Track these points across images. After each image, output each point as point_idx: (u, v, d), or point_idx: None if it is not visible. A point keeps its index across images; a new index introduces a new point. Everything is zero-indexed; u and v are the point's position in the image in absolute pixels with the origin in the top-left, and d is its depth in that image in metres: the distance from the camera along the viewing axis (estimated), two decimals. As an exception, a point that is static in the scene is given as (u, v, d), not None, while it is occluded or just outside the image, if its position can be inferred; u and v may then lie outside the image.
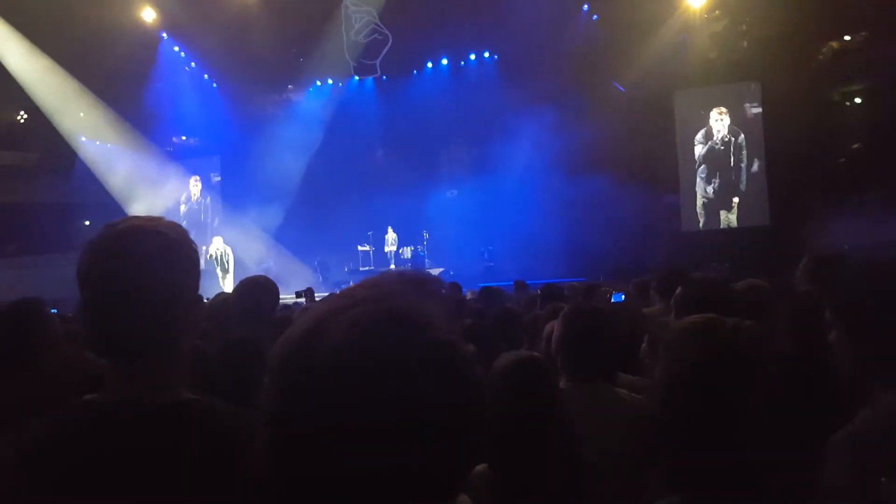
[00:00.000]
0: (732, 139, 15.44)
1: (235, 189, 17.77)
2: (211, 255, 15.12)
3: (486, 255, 15.98)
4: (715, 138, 15.50)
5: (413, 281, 0.73)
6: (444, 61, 17.64)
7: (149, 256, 1.10)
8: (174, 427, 1.09)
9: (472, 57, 17.44)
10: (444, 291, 0.76)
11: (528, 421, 1.83)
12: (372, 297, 0.68)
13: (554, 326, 2.63)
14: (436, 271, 15.85)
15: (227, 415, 1.15)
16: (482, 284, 10.02)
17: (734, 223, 15.42)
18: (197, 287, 1.20)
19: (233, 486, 0.93)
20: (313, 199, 16.85)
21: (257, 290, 3.07)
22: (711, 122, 15.52)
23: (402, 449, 0.60)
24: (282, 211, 16.71)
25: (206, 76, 17.98)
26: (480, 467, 1.83)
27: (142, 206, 17.05)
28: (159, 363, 1.13)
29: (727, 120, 15.42)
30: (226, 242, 15.66)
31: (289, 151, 16.53)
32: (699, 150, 15.63)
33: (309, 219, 16.75)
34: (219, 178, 18.74)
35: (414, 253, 16.58)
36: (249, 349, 2.24)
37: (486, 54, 17.29)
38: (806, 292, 2.61)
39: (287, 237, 16.83)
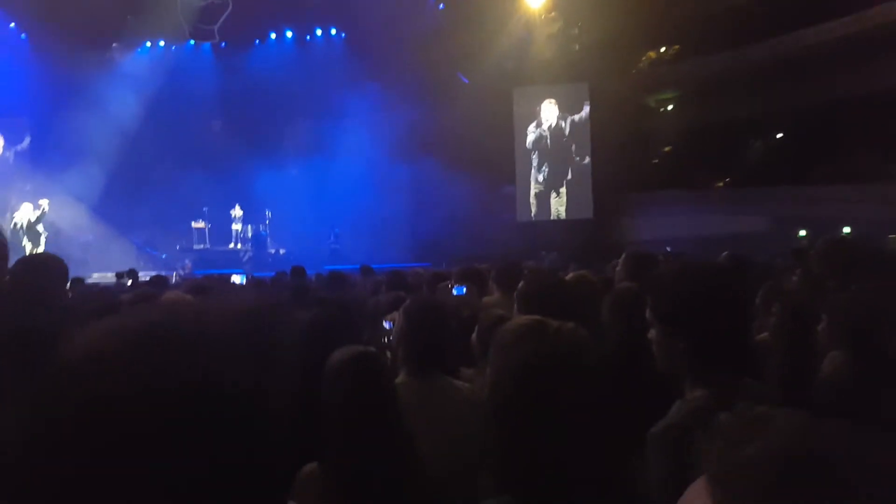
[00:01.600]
0: (561, 128, 16.52)
1: (48, 154, 15.80)
2: (16, 224, 13.37)
3: (332, 238, 15.76)
4: (544, 126, 16.51)
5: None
6: (289, 34, 17.07)
7: None
8: None
9: (319, 32, 17.04)
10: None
11: (363, 417, 1.78)
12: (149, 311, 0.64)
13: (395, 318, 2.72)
14: (281, 252, 15.45)
15: None
16: (328, 267, 9.98)
17: (563, 214, 16.60)
18: None
19: None
20: (140, 170, 15.39)
21: (39, 270, 2.70)
22: (542, 111, 16.48)
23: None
24: (102, 181, 15.01)
25: (12, 25, 15.84)
26: (309, 466, 1.78)
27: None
28: None
29: (556, 110, 16.45)
30: (36, 210, 13.89)
31: (112, 116, 14.90)
32: (531, 137, 16.57)
33: (134, 192, 15.33)
34: (28, 139, 16.62)
35: (255, 231, 15.88)
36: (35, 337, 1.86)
37: (333, 31, 16.98)
38: (628, 289, 2.76)
39: (109, 211, 15.15)
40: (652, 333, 1.69)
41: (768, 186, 16.36)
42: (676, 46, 16.67)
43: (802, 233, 13.94)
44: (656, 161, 17.51)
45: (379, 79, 15.38)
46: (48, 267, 2.72)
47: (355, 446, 1.76)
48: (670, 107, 18.10)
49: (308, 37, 17.11)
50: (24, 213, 13.61)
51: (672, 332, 1.63)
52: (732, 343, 1.62)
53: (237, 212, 15.89)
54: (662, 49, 17.00)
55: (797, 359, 3.02)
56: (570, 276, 3.63)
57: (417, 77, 15.11)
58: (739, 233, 13.74)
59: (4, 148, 16.16)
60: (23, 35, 15.97)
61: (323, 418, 1.77)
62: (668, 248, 11.95)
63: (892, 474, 0.60)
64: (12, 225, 13.26)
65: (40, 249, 13.29)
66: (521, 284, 2.73)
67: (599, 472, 1.21)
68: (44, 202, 13.53)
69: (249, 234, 15.85)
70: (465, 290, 3.67)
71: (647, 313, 1.71)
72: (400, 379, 2.21)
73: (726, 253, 4.91)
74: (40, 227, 13.64)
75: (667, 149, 17.85)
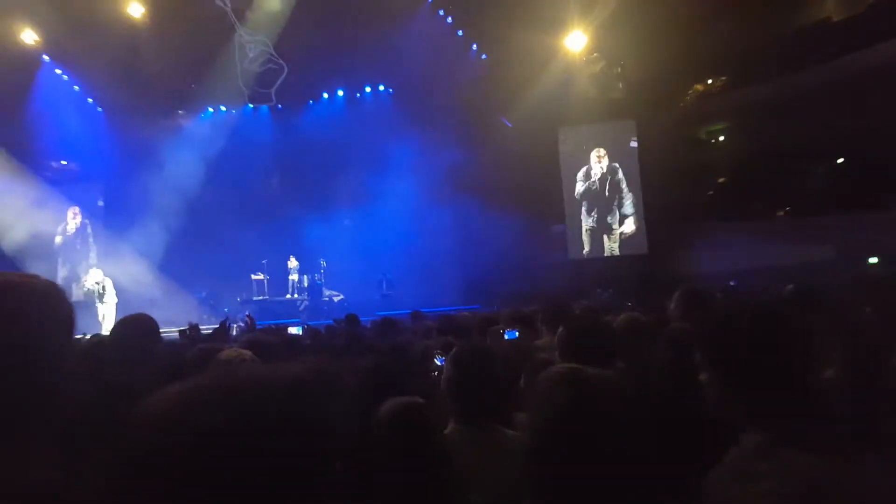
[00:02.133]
0: (610, 177, 16.50)
1: (119, 217, 16.81)
2: (88, 290, 14.17)
3: (383, 284, 16.09)
4: (593, 179, 16.54)
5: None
6: (340, 92, 17.79)
7: (15, 314, 1.01)
8: None
9: (368, 89, 17.70)
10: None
11: (412, 468, 1.79)
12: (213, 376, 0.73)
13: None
14: (336, 297, 15.83)
15: None
16: (380, 314, 10.17)
17: (616, 251, 16.43)
18: (67, 348, 1.10)
19: None
20: (202, 228, 16.15)
21: (134, 328, 2.88)
22: (591, 162, 16.55)
23: None
24: (166, 239, 15.89)
25: (90, 100, 17.10)
26: None
27: (15, 235, 15.89)
28: (18, 437, 0.98)
29: (606, 161, 16.50)
30: (106, 275, 14.72)
31: (176, 178, 15.87)
32: (580, 187, 16.61)
33: (197, 248, 16.04)
34: (102, 203, 17.71)
35: (311, 281, 16.36)
36: (121, 393, 2.04)
37: (382, 87, 17.61)
38: (680, 329, 2.65)
39: (173, 268, 15.94)
40: (703, 377, 1.61)
41: (832, 214, 15.80)
42: (723, 77, 16.52)
43: (874, 260, 13.36)
44: (711, 193, 17.18)
45: (425, 128, 15.80)
46: (142, 326, 2.88)
47: (406, 497, 1.77)
48: (721, 137, 17.83)
49: (358, 94, 17.77)
50: (94, 278, 14.41)
51: (723, 376, 1.55)
52: (789, 385, 1.52)
53: (293, 263, 16.45)
54: (709, 81, 16.87)
55: (866, 396, 2.89)
56: (620, 317, 3.57)
57: (462, 123, 15.48)
58: (803, 263, 13.29)
59: (81, 216, 17.26)
60: (99, 109, 17.20)
61: (375, 468, 1.81)
62: (733, 282, 11.60)
63: None
64: (85, 290, 14.07)
65: (110, 309, 14.02)
66: (560, 329, 2.68)
67: None
68: (96, 272, 14.39)
69: (305, 284, 16.31)
70: (517, 333, 3.62)
71: (697, 356, 1.63)
72: (450, 428, 2.19)
73: (791, 285, 4.70)
74: (108, 289, 14.42)
75: (721, 180, 17.51)
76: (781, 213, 17.34)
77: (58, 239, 17.41)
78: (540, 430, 1.30)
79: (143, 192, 15.90)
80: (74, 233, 17.04)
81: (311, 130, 16.92)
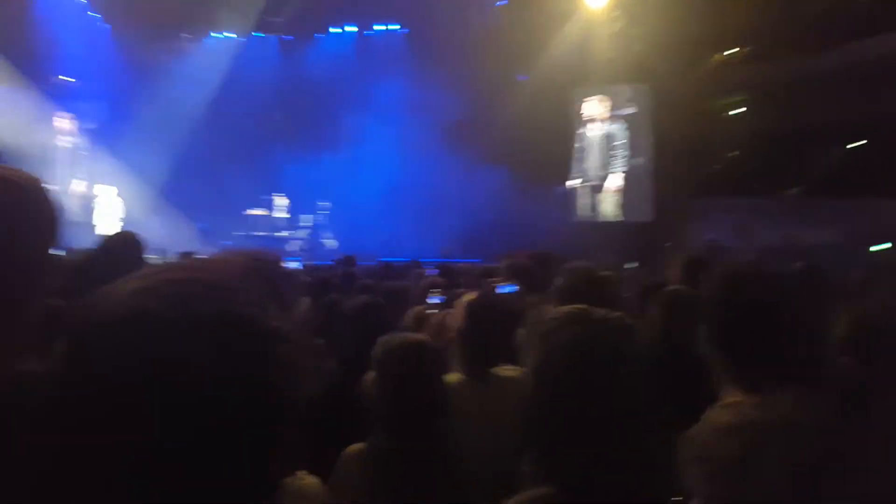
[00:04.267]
0: (619, 130, 16.23)
1: (119, 137, 16.58)
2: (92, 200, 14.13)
3: (385, 230, 15.98)
4: (598, 127, 16.25)
5: (244, 260, 0.72)
6: (350, 28, 17.31)
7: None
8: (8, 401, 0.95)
9: (381, 27, 17.24)
10: (278, 272, 0.75)
11: (413, 404, 1.84)
12: (180, 268, 0.66)
13: (444, 316, 2.72)
14: (332, 243, 15.73)
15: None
16: (383, 259, 10.12)
17: (621, 216, 16.31)
18: (49, 246, 1.09)
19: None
20: (203, 157, 15.95)
21: (121, 245, 2.99)
22: (595, 111, 16.24)
23: (182, 422, 0.55)
24: (167, 164, 15.64)
25: (94, 13, 16.62)
26: (356, 446, 1.85)
27: (14, 142, 15.67)
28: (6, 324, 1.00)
29: (607, 111, 16.18)
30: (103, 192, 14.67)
31: (180, 103, 15.59)
32: (585, 137, 16.36)
33: (197, 176, 15.88)
34: (95, 125, 17.48)
35: (312, 222, 16.24)
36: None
37: (395, 26, 17.14)
38: (683, 289, 2.75)
39: (172, 194, 15.74)
40: (702, 341, 1.66)
41: (842, 198, 15.64)
42: (746, 49, 16.10)
43: (886, 245, 13.25)
44: (720, 167, 16.96)
45: (435, 73, 15.43)
46: (129, 244, 2.99)
47: (400, 429, 1.81)
48: (737, 111, 17.50)
49: (368, 32, 17.30)
50: (103, 192, 14.34)
51: (707, 333, 1.58)
52: (774, 349, 1.52)
53: (281, 200, 16.18)
54: (731, 51, 16.45)
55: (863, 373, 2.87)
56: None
57: (475, 72, 15.08)
58: (809, 244, 13.20)
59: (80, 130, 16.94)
60: (107, 26, 16.73)
61: (371, 400, 1.88)
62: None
63: None
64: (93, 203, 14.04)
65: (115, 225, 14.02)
66: (557, 279, 2.70)
67: (640, 461, 1.19)
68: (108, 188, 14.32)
69: (308, 223, 16.18)
70: (512, 288, 3.58)
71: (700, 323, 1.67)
72: (456, 377, 2.20)
73: (801, 263, 4.80)
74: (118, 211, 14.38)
75: (732, 154, 17.27)
76: (791, 193, 17.18)
77: (61, 143, 17.14)
78: (544, 370, 1.27)
79: (146, 113, 15.59)
80: (72, 142, 16.81)
81: (319, 65, 16.51)
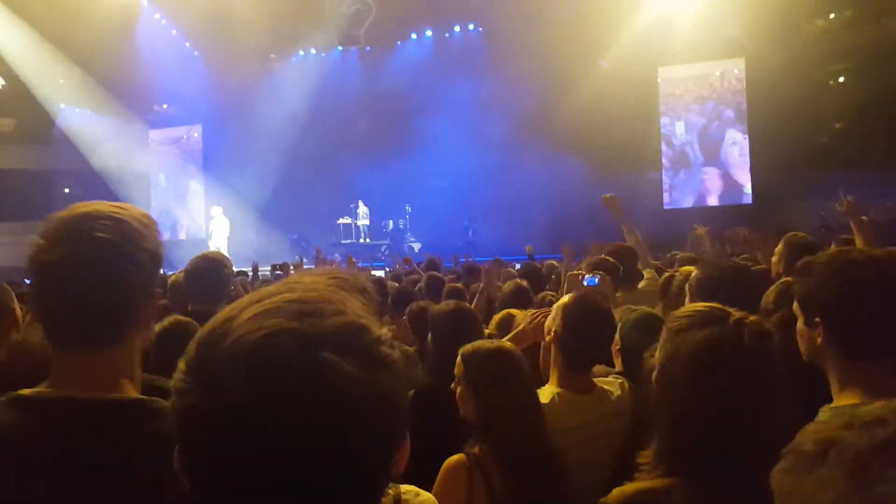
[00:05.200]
0: (716, 118, 15.47)
1: (216, 159, 17.60)
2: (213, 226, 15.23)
3: (469, 231, 15.97)
4: (693, 115, 15.56)
5: (331, 276, 0.72)
6: (429, 33, 17.45)
7: (102, 243, 1.04)
8: (112, 428, 1.02)
9: (457, 29, 17.26)
10: (365, 285, 0.74)
11: (509, 409, 1.87)
12: (279, 291, 0.67)
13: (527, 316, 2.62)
14: (416, 246, 15.90)
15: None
16: (464, 260, 10.10)
17: (716, 200, 15.53)
18: (153, 280, 1.14)
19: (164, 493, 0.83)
20: (295, 172, 16.57)
21: (205, 264, 3.06)
22: (694, 100, 15.55)
23: (311, 445, 0.58)
24: (261, 182, 16.41)
25: (187, 44, 17.63)
26: (458, 457, 1.85)
27: (121, 174, 16.97)
28: (106, 357, 1.06)
29: (710, 103, 15.45)
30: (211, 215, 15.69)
31: (271, 122, 16.30)
32: (679, 126, 15.68)
33: (292, 191, 16.57)
34: (200, 145, 18.61)
35: (395, 226, 16.54)
36: (185, 328, 2.28)
37: (471, 27, 17.13)
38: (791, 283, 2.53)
39: (270, 210, 16.65)
40: (797, 326, 1.54)
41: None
42: (848, 12, 14.91)
43: None
44: (826, 139, 15.78)
45: (516, 69, 15.25)
46: (214, 262, 3.08)
47: (502, 437, 1.82)
48: (841, 79, 16.22)
49: (447, 34, 17.39)
50: (217, 216, 15.43)
51: (814, 321, 1.45)
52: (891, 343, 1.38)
53: (362, 208, 16.56)
54: (831, 16, 15.28)
55: None
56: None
57: (554, 63, 14.76)
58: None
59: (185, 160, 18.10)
60: (196, 53, 17.71)
61: (475, 410, 1.89)
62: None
63: None
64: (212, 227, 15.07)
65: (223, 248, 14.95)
66: (696, 272, 2.51)
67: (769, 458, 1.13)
68: (217, 210, 15.36)
69: (390, 228, 16.51)
70: (597, 280, 3.42)
71: (795, 304, 1.56)
72: (551, 392, 2.11)
73: None
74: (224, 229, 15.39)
75: (838, 125, 16.03)
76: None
77: (162, 178, 18.43)
78: (675, 367, 1.28)
79: (239, 135, 16.45)
80: (178, 170, 17.98)
81: (399, 72, 16.77)
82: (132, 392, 1.09)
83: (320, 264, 7.46)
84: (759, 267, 3.85)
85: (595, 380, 2.22)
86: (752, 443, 1.18)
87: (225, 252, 14.23)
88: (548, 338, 2.21)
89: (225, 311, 0.66)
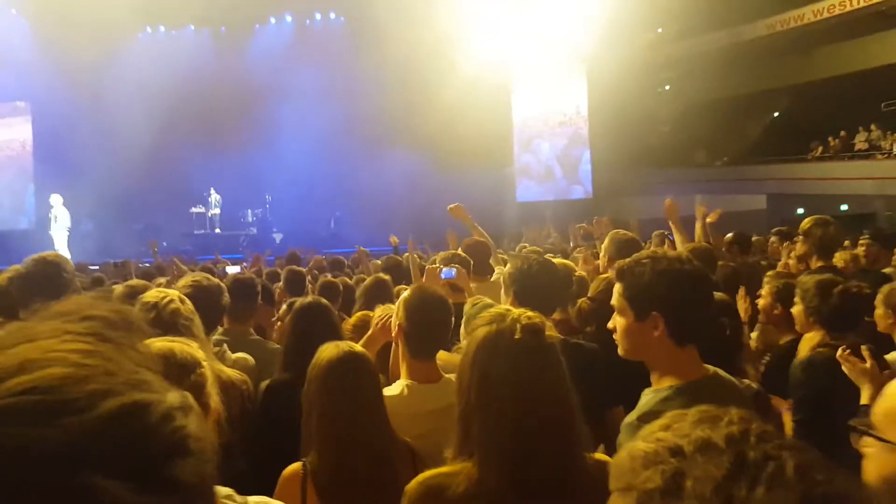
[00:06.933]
0: (557, 111, 16.63)
1: (49, 141, 15.95)
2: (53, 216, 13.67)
3: (331, 222, 15.84)
4: (537, 109, 16.61)
5: (82, 318, 0.51)
6: (289, 18, 17.07)
7: None
8: None
9: (318, 16, 17.04)
10: (138, 322, 0.56)
11: (350, 416, 1.83)
12: (4, 376, 0.44)
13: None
14: (277, 237, 15.43)
15: None
16: (326, 251, 10.11)
17: (561, 194, 16.65)
18: None
19: None
20: (139, 156, 15.07)
21: (42, 267, 2.82)
22: (535, 93, 16.53)
23: None
24: (103, 167, 14.73)
25: (13, 11, 15.84)
26: (293, 466, 1.81)
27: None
28: None
29: (556, 101, 16.55)
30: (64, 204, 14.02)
31: (113, 102, 15.01)
32: (522, 120, 16.66)
33: (134, 177, 15.08)
34: (29, 126, 16.82)
35: (256, 216, 15.90)
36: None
37: (333, 14, 16.98)
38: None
39: (108, 197, 15.02)
40: (618, 320, 1.65)
41: (766, 164, 16.40)
42: (675, 27, 16.58)
43: (800, 210, 14.00)
44: (655, 140, 17.51)
45: (376, 62, 15.33)
46: (50, 264, 2.82)
47: (340, 445, 1.78)
48: (667, 87, 18.07)
49: (308, 21, 17.08)
50: (56, 205, 13.80)
51: (649, 315, 1.57)
52: (705, 331, 1.61)
53: (214, 196, 15.66)
54: (659, 30, 16.92)
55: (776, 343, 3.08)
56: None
57: (416, 57, 14.97)
58: (740, 211, 13.79)
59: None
60: (25, 22, 15.96)
61: (307, 416, 1.83)
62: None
63: None
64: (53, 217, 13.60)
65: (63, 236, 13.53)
66: (508, 268, 2.71)
67: (546, 437, 1.31)
68: (55, 198, 13.76)
69: (250, 219, 15.85)
70: (454, 272, 3.60)
71: (616, 299, 1.65)
72: (399, 388, 2.13)
73: (732, 233, 5.20)
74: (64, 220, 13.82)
75: (666, 128, 17.84)
76: (720, 164, 17.88)
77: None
78: (466, 362, 1.40)
79: (74, 114, 14.95)
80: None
81: (256, 57, 16.23)
82: None
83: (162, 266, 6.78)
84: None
85: (445, 375, 2.22)
86: (529, 425, 1.30)
87: (65, 246, 12.99)
88: (394, 333, 2.24)
89: None
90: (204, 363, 1.52)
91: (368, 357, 1.98)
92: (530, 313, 1.43)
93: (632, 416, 1.55)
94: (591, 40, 15.05)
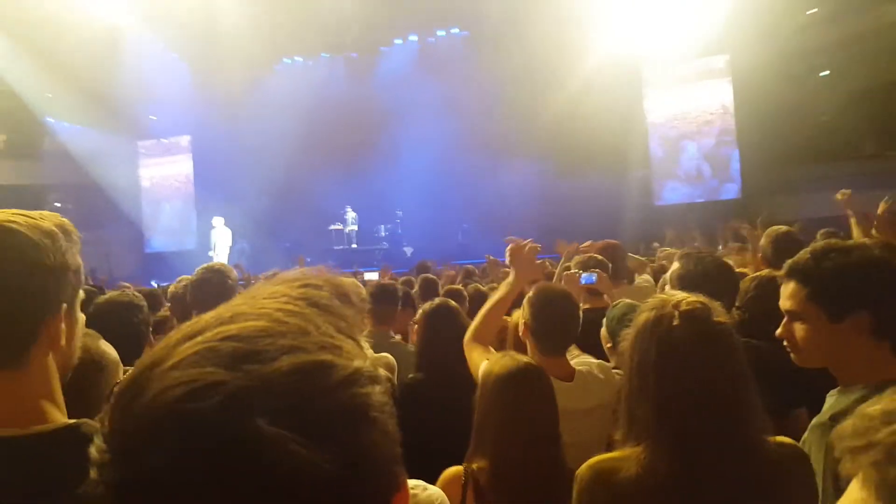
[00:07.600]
0: (698, 108, 15.62)
1: (208, 169, 17.61)
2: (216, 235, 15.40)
3: (459, 235, 16.03)
4: (675, 109, 15.70)
5: (300, 285, 0.57)
6: (413, 37, 17.51)
7: None
8: (27, 466, 0.91)
9: (441, 33, 17.32)
10: (347, 289, 0.59)
11: (522, 426, 1.82)
12: (220, 320, 0.52)
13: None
14: (408, 251, 15.93)
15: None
16: (456, 262, 10.16)
17: (702, 196, 15.64)
18: (58, 295, 1.03)
19: None
20: (286, 178, 16.44)
21: (208, 275, 3.09)
22: (682, 100, 15.68)
23: None
24: (254, 191, 16.44)
25: (173, 55, 17.59)
26: (453, 469, 1.80)
27: (111, 186, 16.98)
28: (6, 384, 0.96)
29: (699, 98, 15.57)
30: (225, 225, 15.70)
31: (259, 131, 16.36)
32: (662, 120, 15.82)
33: (282, 199, 16.53)
34: (190, 156, 18.65)
35: (388, 231, 16.57)
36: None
37: (455, 30, 17.20)
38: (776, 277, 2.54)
39: (262, 218, 16.58)
40: (797, 327, 1.53)
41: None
42: (830, 5, 15.05)
43: None
44: (814, 132, 15.91)
45: (497, 71, 15.31)
46: (217, 273, 3.12)
47: (510, 451, 1.78)
48: (826, 72, 16.37)
49: (431, 39, 17.44)
50: (217, 227, 15.47)
51: (844, 318, 1.45)
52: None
53: (350, 214, 16.60)
54: (812, 11, 15.42)
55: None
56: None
57: (541, 67, 14.80)
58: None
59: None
60: (184, 64, 17.69)
61: (481, 425, 1.84)
62: None
63: None
64: (215, 237, 15.33)
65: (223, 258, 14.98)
66: (676, 265, 2.58)
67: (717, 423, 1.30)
68: (217, 220, 15.25)
69: (383, 234, 16.52)
70: (594, 278, 3.43)
71: (794, 302, 1.53)
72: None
73: None
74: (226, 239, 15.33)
75: (825, 118, 16.17)
76: (894, 153, 15.90)
77: (146, 183, 18.36)
78: (646, 359, 1.37)
79: (228, 144, 16.50)
80: (176, 179, 17.92)
81: (384, 79, 16.81)
82: (58, 418, 0.98)
83: None
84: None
85: (577, 369, 2.28)
86: (694, 411, 1.29)
87: (226, 261, 14.32)
88: (521, 333, 2.28)
89: (154, 351, 0.51)
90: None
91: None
92: (692, 298, 1.38)
93: (823, 416, 1.50)
94: (732, 30, 14.03)
